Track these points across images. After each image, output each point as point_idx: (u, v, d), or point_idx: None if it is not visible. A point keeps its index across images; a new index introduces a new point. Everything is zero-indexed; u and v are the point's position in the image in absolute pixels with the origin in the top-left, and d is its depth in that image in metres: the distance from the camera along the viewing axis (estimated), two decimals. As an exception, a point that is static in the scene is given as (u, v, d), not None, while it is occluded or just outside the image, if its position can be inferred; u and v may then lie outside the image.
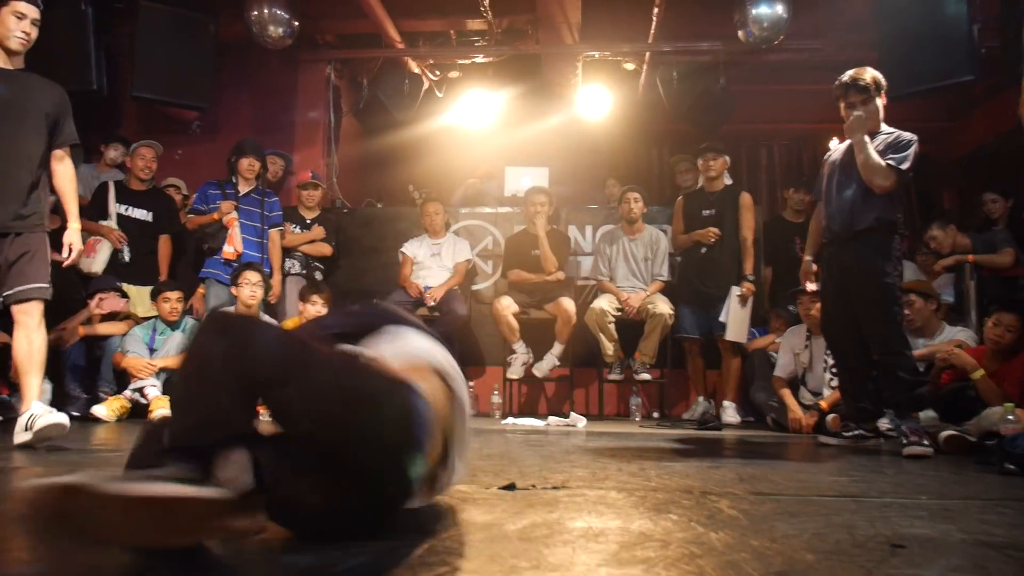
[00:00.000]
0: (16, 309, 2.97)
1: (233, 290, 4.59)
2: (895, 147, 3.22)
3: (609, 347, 4.99)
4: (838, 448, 3.39)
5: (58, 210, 3.33)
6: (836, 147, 3.55)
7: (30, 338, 2.98)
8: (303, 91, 6.46)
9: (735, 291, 4.85)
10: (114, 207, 5.05)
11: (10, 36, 3.01)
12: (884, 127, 3.32)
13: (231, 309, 4.44)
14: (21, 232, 2.99)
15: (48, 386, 4.07)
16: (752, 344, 4.95)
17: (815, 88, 4.94)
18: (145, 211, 5.15)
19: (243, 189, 5.07)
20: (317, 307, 4.72)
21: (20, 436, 2.83)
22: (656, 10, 5.60)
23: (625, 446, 3.27)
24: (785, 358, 4.49)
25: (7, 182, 2.98)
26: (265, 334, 1.28)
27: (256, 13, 5.55)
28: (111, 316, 4.69)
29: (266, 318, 4.65)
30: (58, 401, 4.13)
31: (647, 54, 6.31)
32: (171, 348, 4.54)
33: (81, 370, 4.58)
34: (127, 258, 5.00)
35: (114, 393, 4.45)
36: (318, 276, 5.37)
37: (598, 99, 6.75)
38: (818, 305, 4.21)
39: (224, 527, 1.13)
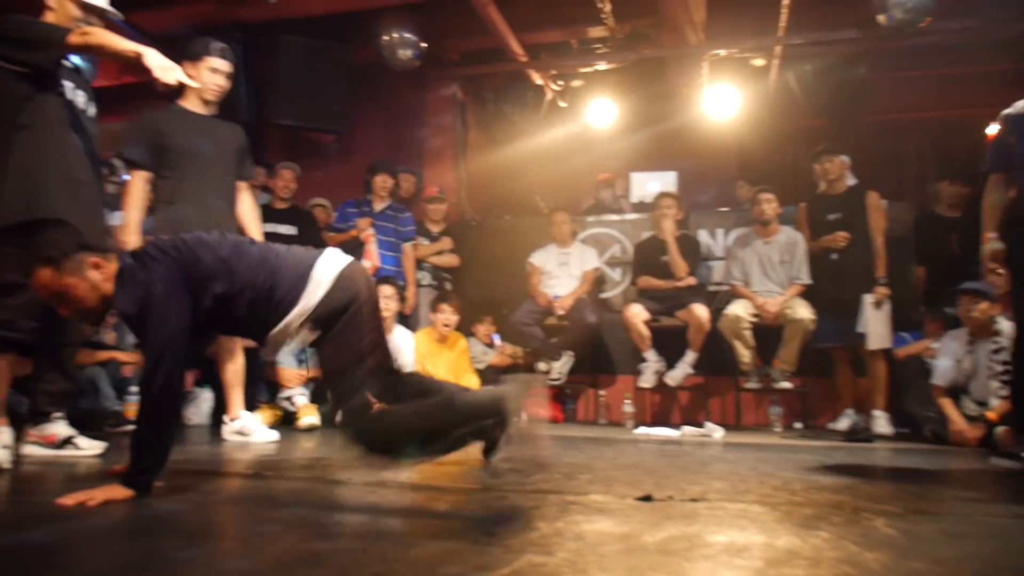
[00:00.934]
0: None
1: (370, 303, 4.79)
2: None
3: (746, 354, 4.79)
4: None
5: None
6: (1020, 105, 3.01)
7: (234, 359, 3.52)
8: (431, 109, 6.68)
9: (867, 299, 4.54)
10: (262, 226, 5.42)
11: (207, 88, 3.46)
12: None
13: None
14: None
15: (210, 395, 4.43)
16: (904, 350, 4.59)
17: (967, 71, 4.55)
18: (289, 226, 5.49)
19: (378, 206, 5.30)
20: (447, 316, 4.86)
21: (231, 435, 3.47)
22: (785, 2, 5.36)
23: (766, 458, 3.12)
24: (945, 364, 4.13)
25: (212, 214, 3.34)
26: None
27: (386, 38, 5.80)
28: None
29: (401, 329, 4.85)
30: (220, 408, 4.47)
31: (777, 48, 6.06)
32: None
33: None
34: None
35: (267, 401, 4.75)
36: (448, 287, 5.53)
37: (726, 98, 6.53)
38: (982, 306, 3.86)
39: None
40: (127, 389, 4.13)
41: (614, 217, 6.02)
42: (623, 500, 1.92)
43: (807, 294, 4.86)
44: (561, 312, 5.15)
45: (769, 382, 4.83)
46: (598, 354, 5.46)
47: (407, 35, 5.82)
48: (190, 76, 3.32)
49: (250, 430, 3.48)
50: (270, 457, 2.97)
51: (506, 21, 5.79)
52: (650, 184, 6.20)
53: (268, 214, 5.50)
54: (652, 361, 5.05)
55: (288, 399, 4.64)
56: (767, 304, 4.78)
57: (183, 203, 3.36)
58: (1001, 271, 3.09)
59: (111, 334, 4.51)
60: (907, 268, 4.93)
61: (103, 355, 4.24)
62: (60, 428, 2.85)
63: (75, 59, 3.04)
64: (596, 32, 6.14)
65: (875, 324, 4.52)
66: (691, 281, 5.08)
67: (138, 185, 3.38)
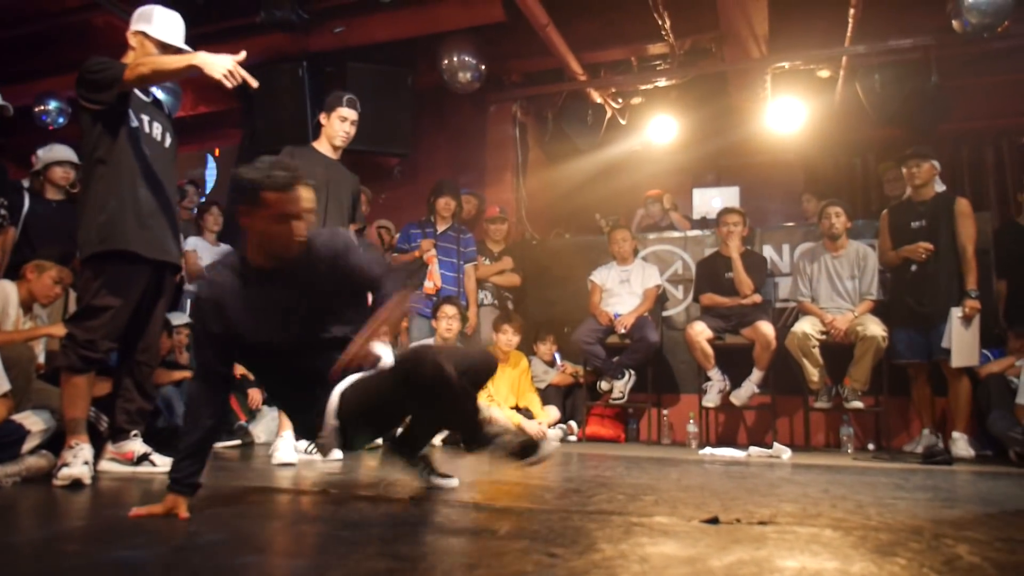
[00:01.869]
0: None
1: (433, 323, 4.86)
2: None
3: (814, 373, 4.65)
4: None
5: None
6: None
7: None
8: (492, 130, 6.76)
9: (955, 312, 4.33)
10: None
11: (336, 136, 3.74)
12: None
13: (430, 341, 4.70)
14: None
15: (275, 412, 4.55)
16: (986, 368, 4.37)
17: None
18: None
19: (440, 227, 5.38)
20: (508, 336, 4.88)
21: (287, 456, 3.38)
22: (852, 11, 5.24)
23: (838, 480, 3.02)
24: (1030, 383, 3.93)
25: None
26: None
27: (447, 62, 5.92)
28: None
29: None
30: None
31: (844, 58, 5.91)
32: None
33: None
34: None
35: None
36: (509, 306, 5.55)
37: (790, 111, 6.39)
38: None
39: None
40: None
41: (676, 234, 5.96)
42: (689, 522, 1.88)
43: (885, 306, 4.69)
44: (623, 330, 5.11)
45: (840, 401, 4.68)
46: (660, 373, 5.39)
47: (467, 58, 5.92)
48: (321, 125, 3.71)
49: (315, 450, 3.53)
50: (336, 476, 3.03)
51: (565, 41, 5.82)
52: (713, 200, 6.11)
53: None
54: (716, 380, 4.96)
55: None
56: (836, 321, 4.64)
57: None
58: None
59: (185, 355, 4.69)
60: (987, 282, 4.71)
61: (178, 375, 4.42)
62: (137, 445, 2.99)
63: (157, 93, 3.20)
64: (656, 49, 6.11)
65: (962, 340, 4.30)
66: (756, 299, 4.98)
67: None
